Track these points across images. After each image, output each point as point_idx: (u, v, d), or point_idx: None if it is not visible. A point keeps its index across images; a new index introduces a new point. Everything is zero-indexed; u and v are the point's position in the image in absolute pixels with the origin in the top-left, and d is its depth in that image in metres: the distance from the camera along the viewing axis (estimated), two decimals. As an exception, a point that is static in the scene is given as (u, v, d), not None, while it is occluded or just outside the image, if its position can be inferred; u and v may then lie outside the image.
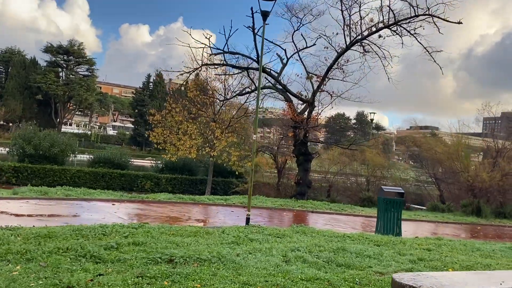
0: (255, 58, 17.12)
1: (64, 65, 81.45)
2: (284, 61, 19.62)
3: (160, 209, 13.74)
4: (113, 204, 13.51)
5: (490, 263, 8.41)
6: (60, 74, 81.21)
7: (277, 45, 18.75)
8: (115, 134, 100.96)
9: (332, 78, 19.26)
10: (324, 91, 19.03)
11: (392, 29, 17.33)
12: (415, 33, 16.97)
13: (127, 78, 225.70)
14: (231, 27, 16.00)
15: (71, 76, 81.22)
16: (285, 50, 19.26)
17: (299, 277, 5.81)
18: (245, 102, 23.18)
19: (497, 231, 17.11)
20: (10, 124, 79.36)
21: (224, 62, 17.91)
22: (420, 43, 17.18)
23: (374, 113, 35.38)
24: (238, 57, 17.73)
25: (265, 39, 17.85)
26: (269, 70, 18.06)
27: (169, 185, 28.45)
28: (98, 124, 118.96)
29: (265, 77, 18.73)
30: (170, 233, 8.66)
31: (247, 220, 11.27)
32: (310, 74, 19.13)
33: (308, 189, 20.07)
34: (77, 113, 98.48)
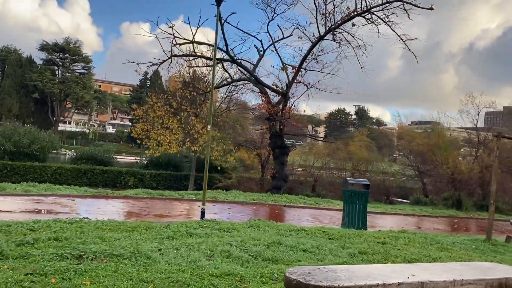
0: (224, 49, 16.68)
1: (60, 63, 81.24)
2: (261, 52, 19.21)
3: (122, 205, 13.39)
4: (72, 200, 13.16)
5: (441, 256, 8.00)
6: (56, 72, 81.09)
7: (251, 35, 18.35)
8: (114, 132, 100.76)
9: (309, 69, 18.84)
10: (300, 82, 18.60)
11: (365, 17, 16.84)
12: (388, 21, 16.51)
13: (128, 76, 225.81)
14: (200, 16, 15.60)
15: (67, 74, 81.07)
16: (261, 41, 18.87)
17: (210, 272, 5.42)
18: (227, 96, 22.78)
19: (474, 224, 16.65)
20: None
21: (197, 54, 17.47)
22: (394, 31, 16.74)
23: (358, 106, 34.56)
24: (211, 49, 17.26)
25: (239, 29, 17.48)
26: (239, 60, 17.61)
27: (153, 181, 28.12)
28: (98, 122, 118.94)
29: (239, 69, 18.32)
30: (106, 228, 8.30)
31: (202, 214, 10.89)
32: (285, 65, 18.71)
33: (284, 183, 19.65)
34: (76, 111, 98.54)
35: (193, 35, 15.39)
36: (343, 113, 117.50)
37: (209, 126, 10.97)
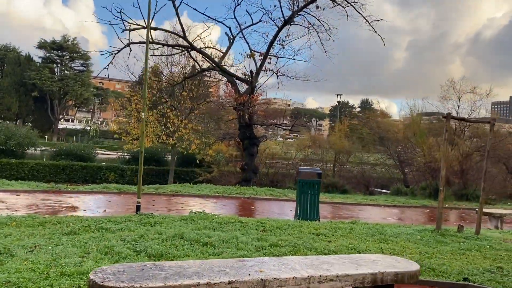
0: (181, 35, 15.98)
1: (59, 60, 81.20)
2: (231, 40, 18.49)
3: (68, 200, 12.86)
4: (17, 195, 12.67)
5: (371, 247, 7.33)
6: (55, 70, 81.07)
7: (218, 21, 17.61)
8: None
9: (280, 56, 18.11)
10: (268, 70, 17.90)
11: (332, -1, 16.02)
12: (353, 2, 15.67)
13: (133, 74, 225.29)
14: (157, 2, 14.88)
15: (65, 71, 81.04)
16: (229, 28, 18.15)
17: (63, 271, 4.82)
18: (200, 85, 22.08)
19: (444, 214, 15.84)
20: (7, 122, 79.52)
21: (167, 43, 16.78)
22: (359, 12, 15.90)
23: (341, 94, 33.78)
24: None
25: (205, 14, 16.76)
26: (199, 48, 16.87)
27: (134, 176, 27.54)
28: (101, 119, 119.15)
29: (204, 58, 17.62)
30: (11, 224, 7.75)
31: (137, 208, 10.29)
32: (252, 52, 18.00)
33: (254, 175, 18.99)
34: (79, 109, 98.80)
35: (151, 20, 14.78)
36: (347, 106, 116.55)
37: (142, 114, 10.32)
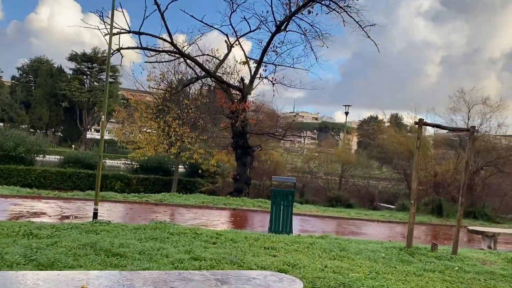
0: (169, 40, 15.70)
1: (88, 72, 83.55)
2: (230, 47, 18.11)
3: (41, 205, 12.66)
4: (-7, 200, 12.58)
5: (312, 263, 6.57)
6: (85, 81, 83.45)
7: (214, 28, 17.27)
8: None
9: (279, 64, 17.58)
10: (264, 77, 17.38)
11: (322, 3, 15.38)
12: (345, 6, 14.96)
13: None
14: (146, 7, 14.64)
15: (94, 83, 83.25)
16: (226, 35, 17.77)
17: None
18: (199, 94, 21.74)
19: (439, 231, 14.67)
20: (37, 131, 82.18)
21: (158, 48, 16.50)
22: (351, 16, 15.17)
23: (349, 105, 32.80)
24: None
25: (202, 21, 16.50)
26: (187, 53, 16.49)
27: (140, 185, 27.48)
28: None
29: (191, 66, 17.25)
30: None
31: (94, 215, 9.91)
32: (247, 59, 17.53)
33: (246, 185, 18.31)
34: (109, 120, 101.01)
35: (141, 26, 14.59)
36: (376, 120, 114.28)
37: (102, 117, 9.99)
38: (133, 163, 29.57)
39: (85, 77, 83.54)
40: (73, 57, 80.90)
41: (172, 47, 15.60)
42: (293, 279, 3.98)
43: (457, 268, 7.36)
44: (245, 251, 7.30)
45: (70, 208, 12.66)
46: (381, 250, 8.30)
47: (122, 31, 14.65)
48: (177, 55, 16.73)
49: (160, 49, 15.93)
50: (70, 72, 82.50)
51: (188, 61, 17.39)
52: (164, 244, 7.35)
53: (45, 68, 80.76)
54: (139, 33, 15.09)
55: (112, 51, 16.45)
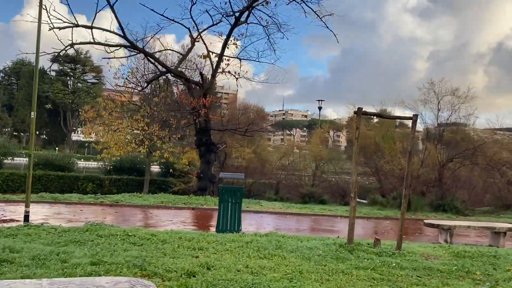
0: (121, 34, 15.12)
1: (71, 73, 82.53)
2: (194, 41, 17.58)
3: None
4: None
5: (234, 263, 6.10)
6: (68, 82, 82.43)
7: (175, 21, 16.67)
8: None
9: (243, 59, 17.10)
10: (227, 72, 16.88)
11: (278, -8, 14.94)
12: (302, -4, 14.51)
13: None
14: (97, 2, 14.08)
15: (78, 84, 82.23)
16: (189, 29, 17.22)
17: None
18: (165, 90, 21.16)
19: (396, 226, 14.25)
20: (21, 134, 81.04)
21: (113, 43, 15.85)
22: (309, 6, 14.75)
23: (322, 100, 32.34)
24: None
25: (162, 15, 15.98)
26: (144, 48, 15.91)
27: (113, 186, 26.83)
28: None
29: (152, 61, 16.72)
30: None
31: (25, 217, 9.38)
32: (209, 53, 17.02)
33: (211, 183, 17.82)
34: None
35: (92, 21, 13.97)
36: (364, 117, 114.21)
37: (32, 113, 9.45)
38: (106, 164, 28.92)
39: (68, 78, 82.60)
40: (55, 59, 79.78)
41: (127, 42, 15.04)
42: (148, 285, 3.50)
43: (394, 264, 6.93)
44: (166, 253, 6.82)
45: (14, 211, 12.09)
46: (320, 247, 7.85)
47: (69, 25, 14.07)
48: (134, 50, 16.16)
49: (114, 43, 15.36)
50: (53, 73, 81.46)
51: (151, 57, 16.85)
52: (79, 247, 6.87)
53: (27, 70, 79.57)
54: (90, 27, 14.53)
55: (64, 46, 15.96)
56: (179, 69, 17.93)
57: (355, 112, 8.08)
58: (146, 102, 25.29)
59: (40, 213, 12.40)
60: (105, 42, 14.92)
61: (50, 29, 13.76)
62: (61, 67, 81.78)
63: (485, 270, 6.90)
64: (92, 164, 44.26)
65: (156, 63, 16.84)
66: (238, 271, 5.91)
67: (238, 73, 16.88)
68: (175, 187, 24.19)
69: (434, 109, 19.52)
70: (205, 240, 8.17)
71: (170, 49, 18.03)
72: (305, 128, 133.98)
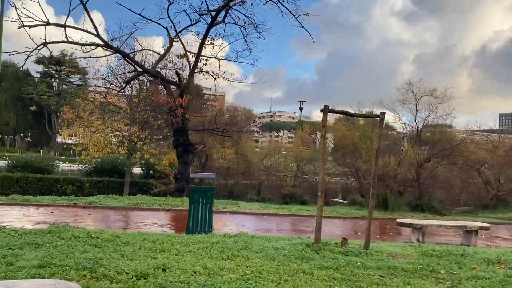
0: (94, 33, 14.84)
1: (56, 75, 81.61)
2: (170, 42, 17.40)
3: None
4: None
5: (169, 265, 5.92)
6: (53, 84, 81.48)
7: (152, 21, 16.43)
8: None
9: (223, 59, 16.97)
10: (205, 72, 16.71)
11: (254, -9, 14.85)
12: (279, -6, 14.43)
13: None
14: (70, 0, 13.80)
15: (63, 86, 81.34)
16: (167, 29, 17.00)
17: None
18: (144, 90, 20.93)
19: (378, 225, 14.22)
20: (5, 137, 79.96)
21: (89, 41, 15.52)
22: (285, 6, 14.68)
23: (303, 101, 32.51)
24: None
25: (140, 15, 15.79)
26: (118, 48, 15.64)
27: (94, 188, 26.42)
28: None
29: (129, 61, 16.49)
30: None
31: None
32: (187, 53, 16.84)
33: (188, 184, 17.55)
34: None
35: (66, 19, 13.72)
36: (350, 118, 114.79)
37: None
38: (86, 166, 28.52)
39: (53, 80, 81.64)
40: (40, 60, 78.81)
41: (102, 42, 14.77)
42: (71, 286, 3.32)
43: (359, 264, 6.81)
44: (125, 254, 6.62)
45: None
46: (286, 247, 7.71)
47: (40, 23, 13.77)
48: (109, 50, 15.89)
49: (88, 43, 15.07)
50: (38, 75, 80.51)
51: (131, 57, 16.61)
52: (35, 249, 6.65)
53: (11, 71, 78.46)
54: (63, 26, 14.25)
55: (36, 45, 15.61)
56: (157, 69, 17.71)
57: (321, 110, 7.97)
58: (127, 103, 25.04)
59: (9, 215, 12.09)
60: (80, 42, 14.65)
61: (19, 27, 13.46)
62: (45, 69, 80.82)
63: (450, 269, 6.82)
64: (78, 166, 43.66)
65: (132, 63, 16.60)
66: (194, 272, 5.75)
67: (217, 73, 16.75)
68: (156, 189, 23.93)
69: (413, 110, 19.61)
70: (170, 241, 7.99)
71: (148, 49, 17.85)
72: (292, 130, 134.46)
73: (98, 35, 14.59)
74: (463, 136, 21.06)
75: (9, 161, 28.34)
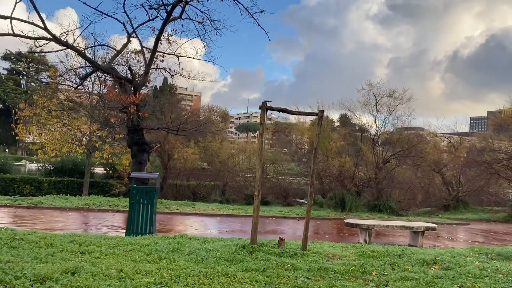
0: (41, 25, 14.22)
1: (24, 72, 79.22)
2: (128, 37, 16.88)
3: None
4: None
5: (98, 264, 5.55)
6: (21, 81, 79.15)
7: (108, 15, 15.76)
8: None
9: (180, 55, 16.49)
10: (161, 68, 16.27)
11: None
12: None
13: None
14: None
15: (31, 83, 79.05)
16: (123, 24, 16.45)
17: None
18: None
19: (332, 225, 14.09)
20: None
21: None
22: (240, 3, 14.40)
23: (268, 101, 32.20)
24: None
25: (96, 9, 15.19)
26: (67, 42, 14.97)
27: (53, 189, 25.61)
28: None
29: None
30: None
31: None
32: (143, 48, 16.36)
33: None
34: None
35: (13, 10, 13.07)
36: (327, 120, 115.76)
37: None
38: (46, 165, 27.62)
39: (21, 77, 79.30)
40: (7, 56, 76.55)
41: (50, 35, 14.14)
42: None
43: (289, 265, 6.57)
44: (39, 257, 6.19)
45: None
46: (220, 249, 7.41)
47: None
48: (61, 45, 15.23)
49: (36, 36, 14.43)
50: (4, 72, 78.11)
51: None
52: None
53: (-23, 68, 76.00)
54: (9, 18, 13.58)
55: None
56: (123, 66, 17.20)
57: (259, 107, 7.72)
58: (88, 100, 24.34)
59: None
60: (27, 35, 13.99)
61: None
62: (13, 65, 78.41)
63: (383, 270, 6.65)
64: (38, 166, 42.40)
65: (85, 59, 15.99)
66: (105, 276, 5.38)
67: (174, 70, 16.33)
68: (116, 189, 23.30)
69: (373, 111, 19.63)
70: (98, 243, 7.59)
71: (105, 45, 17.28)
72: (267, 130, 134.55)
73: (45, 28, 13.96)
74: (429, 138, 21.21)
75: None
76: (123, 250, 7.04)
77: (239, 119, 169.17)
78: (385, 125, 19.58)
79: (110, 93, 15.72)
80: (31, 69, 79.07)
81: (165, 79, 41.50)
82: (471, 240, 12.78)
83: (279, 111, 7.86)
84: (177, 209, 14.36)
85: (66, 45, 14.32)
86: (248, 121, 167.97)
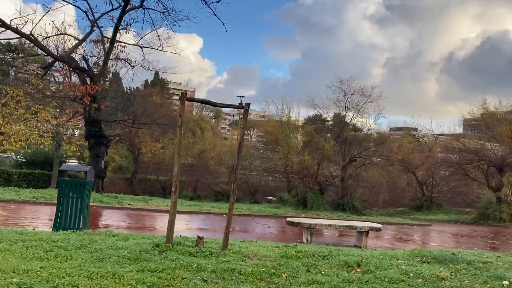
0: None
1: (13, 63, 78.35)
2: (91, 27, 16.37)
3: None
4: None
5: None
6: (10, 73, 78.34)
7: (69, 2, 15.35)
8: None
9: (145, 46, 16.06)
10: (121, 59, 15.79)
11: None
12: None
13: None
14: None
15: (19, 74, 78.24)
16: (85, 12, 15.96)
17: None
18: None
19: (276, 224, 13.66)
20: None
21: None
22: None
23: (242, 96, 31.86)
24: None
25: None
26: (20, 30, 14.41)
27: (22, 181, 25.05)
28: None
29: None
30: None
31: None
32: (103, 38, 15.89)
33: (100, 179, 16.63)
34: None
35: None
36: (320, 119, 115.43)
37: None
38: (17, 157, 27.07)
39: (10, 68, 78.44)
40: (-4, 47, 75.71)
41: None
42: None
43: (195, 266, 6.13)
44: None
45: None
46: (131, 247, 6.96)
47: None
48: (14, 32, 14.70)
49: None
50: (-7, 63, 77.23)
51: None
52: None
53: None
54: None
55: None
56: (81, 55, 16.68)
57: (179, 98, 7.25)
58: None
59: None
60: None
61: None
62: (1, 56, 77.49)
63: (296, 272, 6.21)
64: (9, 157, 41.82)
65: (40, 48, 15.51)
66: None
67: (132, 60, 15.85)
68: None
69: (343, 108, 19.16)
70: (2, 238, 7.13)
71: (66, 34, 16.75)
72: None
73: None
74: (397, 137, 20.81)
75: None
76: (22, 246, 6.58)
77: (233, 115, 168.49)
78: (354, 123, 19.22)
79: (66, 84, 15.23)
80: (19, 60, 78.35)
81: (157, 73, 41.01)
82: (424, 242, 12.39)
83: (201, 103, 7.41)
84: (129, 204, 13.90)
85: (17, 31, 13.79)
86: (241, 118, 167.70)
